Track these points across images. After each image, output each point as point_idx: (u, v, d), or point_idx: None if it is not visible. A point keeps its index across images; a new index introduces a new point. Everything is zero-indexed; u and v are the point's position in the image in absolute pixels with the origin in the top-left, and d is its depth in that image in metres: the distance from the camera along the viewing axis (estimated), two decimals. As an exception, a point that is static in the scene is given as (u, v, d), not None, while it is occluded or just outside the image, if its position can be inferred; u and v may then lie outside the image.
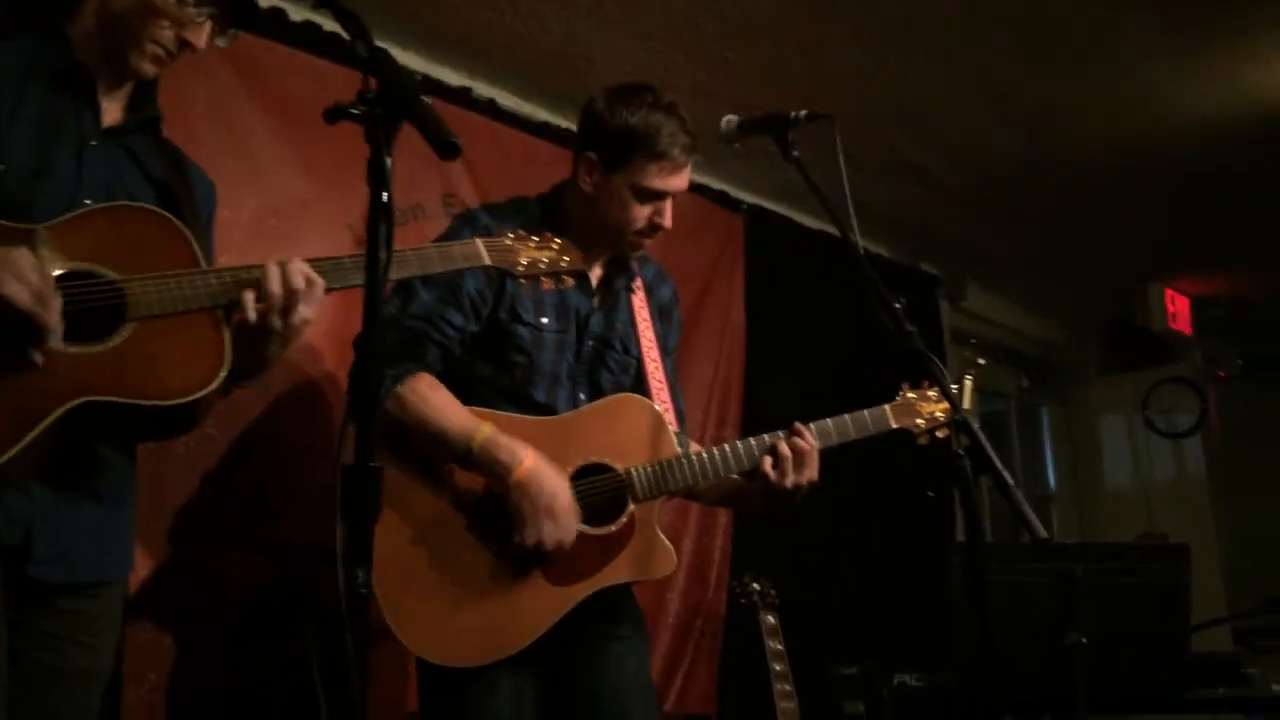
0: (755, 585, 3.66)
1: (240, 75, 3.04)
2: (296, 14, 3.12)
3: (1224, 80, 4.02)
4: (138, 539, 2.61)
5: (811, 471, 2.35)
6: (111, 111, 1.87)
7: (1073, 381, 7.06)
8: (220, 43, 1.88)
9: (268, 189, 3.06)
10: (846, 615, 4.39)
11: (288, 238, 3.03)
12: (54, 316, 1.55)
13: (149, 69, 1.84)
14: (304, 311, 1.75)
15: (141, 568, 2.63)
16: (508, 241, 2.01)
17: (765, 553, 4.02)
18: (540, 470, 2.17)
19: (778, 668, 3.51)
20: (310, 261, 1.78)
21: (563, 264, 2.06)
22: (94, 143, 1.81)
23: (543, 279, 2.05)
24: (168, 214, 1.77)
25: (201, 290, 1.70)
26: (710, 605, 4.13)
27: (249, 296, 1.71)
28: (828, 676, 3.84)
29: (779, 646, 3.55)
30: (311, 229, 3.11)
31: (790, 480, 2.33)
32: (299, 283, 1.73)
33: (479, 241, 1.98)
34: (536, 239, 2.05)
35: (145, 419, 1.71)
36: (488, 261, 1.97)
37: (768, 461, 2.34)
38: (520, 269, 2.02)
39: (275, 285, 1.72)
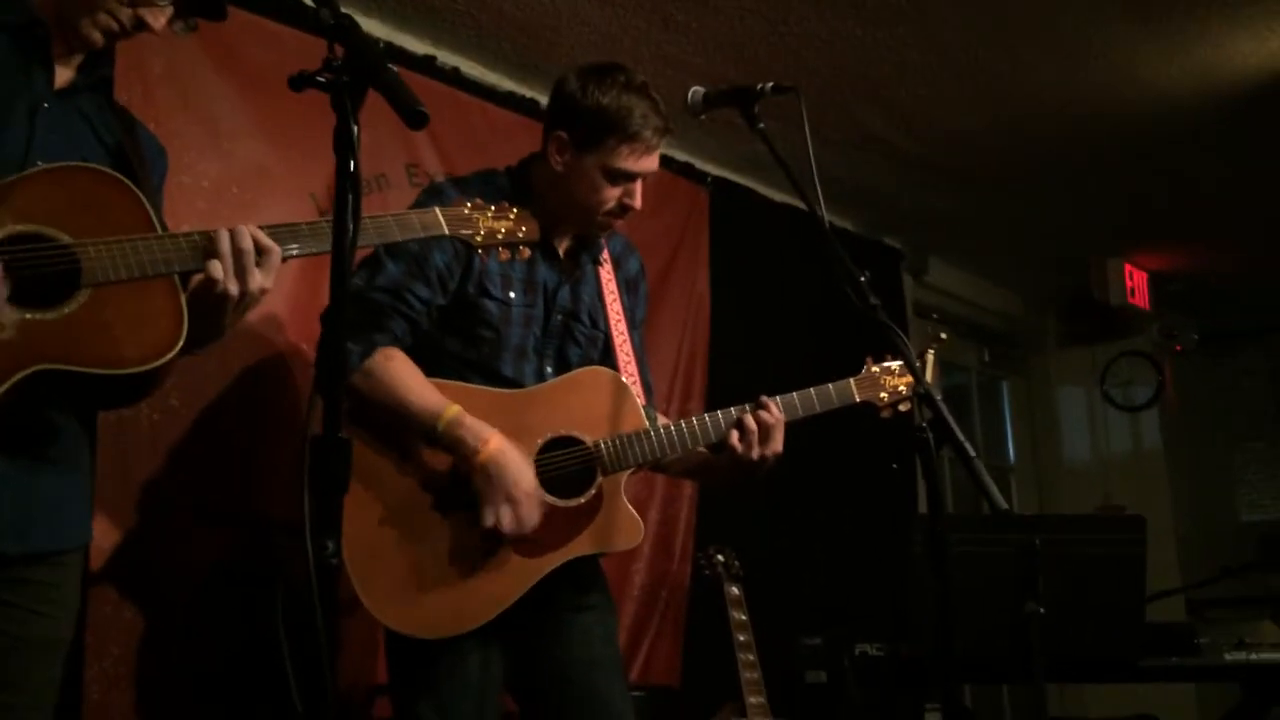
0: (719, 556, 3.69)
1: (201, 40, 2.98)
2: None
3: (1178, 56, 4.05)
4: (101, 512, 2.60)
5: (776, 444, 2.37)
6: (63, 74, 1.83)
7: (1032, 355, 7.14)
8: (178, 29, 1.85)
9: (229, 156, 3.02)
10: (810, 586, 4.43)
11: (249, 206, 3.00)
12: None
13: (99, 39, 1.80)
14: (260, 279, 1.73)
15: (105, 541, 2.61)
16: (465, 211, 2.00)
17: (730, 524, 4.05)
18: (504, 452, 2.18)
19: (741, 638, 3.54)
20: (265, 228, 1.75)
21: (520, 234, 2.05)
22: (47, 104, 1.77)
23: (500, 249, 2.03)
24: (121, 176, 1.74)
25: (158, 256, 1.67)
26: (675, 576, 4.15)
27: (215, 265, 1.69)
28: (791, 646, 3.88)
29: (743, 617, 3.59)
30: (274, 197, 3.07)
31: (756, 453, 2.35)
32: (248, 245, 1.70)
33: (437, 211, 1.96)
34: (494, 209, 2.04)
35: (101, 387, 1.68)
36: (446, 231, 1.95)
37: (734, 435, 2.35)
38: (479, 239, 2.00)
39: (225, 247, 1.69)
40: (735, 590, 3.64)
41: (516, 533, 2.19)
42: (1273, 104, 4.32)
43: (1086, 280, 6.24)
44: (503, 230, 2.03)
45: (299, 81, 1.31)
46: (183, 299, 1.71)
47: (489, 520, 2.16)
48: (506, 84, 3.88)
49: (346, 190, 1.28)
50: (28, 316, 1.58)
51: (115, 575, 2.63)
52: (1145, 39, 3.91)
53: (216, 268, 1.69)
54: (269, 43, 3.07)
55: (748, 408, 2.37)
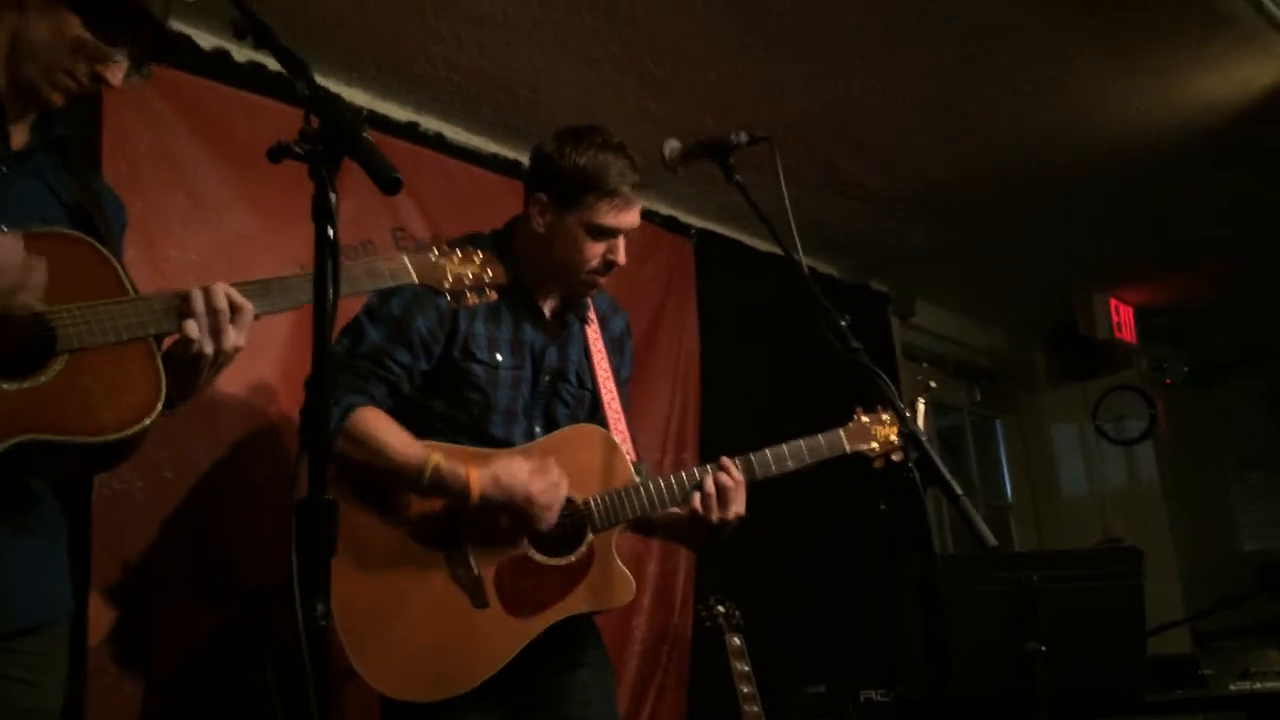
0: (720, 607, 3.68)
1: (184, 115, 3.04)
2: (240, 55, 3.12)
3: (1148, 93, 4.13)
4: (97, 586, 2.61)
5: (738, 507, 2.36)
6: (18, 134, 1.82)
7: (1024, 392, 7.16)
8: (135, 79, 1.85)
9: (216, 228, 3.06)
10: (812, 633, 4.40)
11: (238, 276, 2.97)
12: None
13: (58, 99, 1.80)
14: (235, 337, 1.73)
15: (101, 615, 2.61)
16: (433, 257, 2.01)
17: (729, 574, 4.04)
18: (490, 470, 2.19)
19: (745, 689, 3.52)
20: (238, 285, 1.76)
21: (486, 277, 2.07)
22: (4, 168, 1.77)
23: (468, 293, 2.04)
24: (90, 239, 1.73)
25: (133, 319, 1.67)
26: (677, 629, 4.13)
27: (190, 325, 1.69)
28: (795, 696, 3.85)
29: (745, 668, 3.57)
30: (262, 267, 3.09)
31: (715, 516, 2.34)
32: (223, 305, 1.71)
33: (405, 257, 1.97)
34: (460, 253, 2.06)
35: (81, 455, 1.67)
36: (415, 279, 1.97)
37: (695, 497, 2.35)
38: (447, 284, 2.02)
39: (200, 307, 1.70)
40: (737, 641, 3.63)
41: (557, 504, 2.21)
42: (1244, 134, 4.39)
43: (1073, 316, 6.28)
44: (470, 275, 2.05)
45: (277, 153, 1.33)
46: (159, 360, 1.70)
47: (535, 525, 2.20)
48: (490, 146, 3.93)
49: (326, 257, 1.30)
50: (5, 387, 1.58)
51: (113, 649, 2.62)
52: (1115, 77, 3.98)
53: (192, 327, 1.69)
54: (252, 115, 3.12)
55: (709, 469, 2.38)
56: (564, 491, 2.23)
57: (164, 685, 2.69)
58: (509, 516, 2.22)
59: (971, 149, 4.51)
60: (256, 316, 1.76)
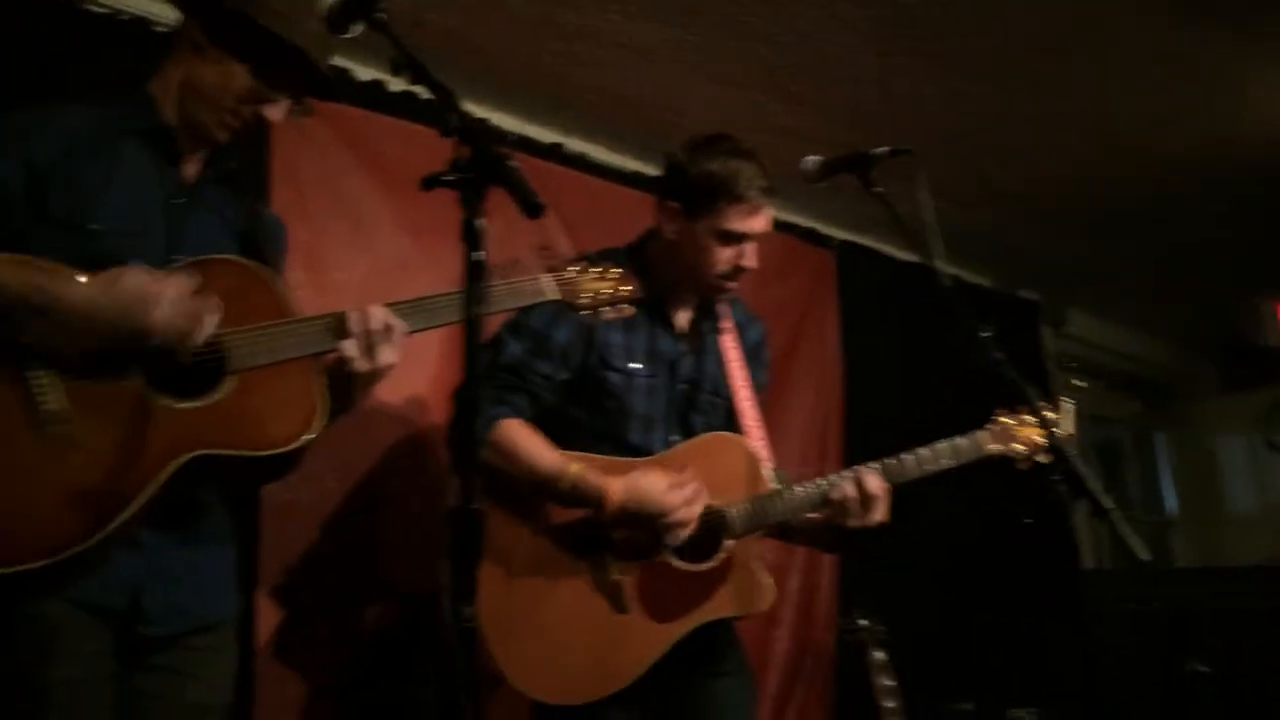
0: (863, 621, 3.64)
1: (346, 144, 3.21)
2: (394, 85, 3.28)
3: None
4: (265, 591, 2.76)
5: (878, 514, 2.36)
6: (190, 168, 1.95)
7: (1188, 403, 6.85)
8: (296, 114, 1.98)
9: (374, 251, 3.21)
10: (959, 649, 4.32)
11: (394, 296, 3.15)
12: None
13: (225, 137, 1.93)
14: (388, 355, 1.84)
15: (269, 620, 2.76)
16: (570, 274, 2.10)
17: (873, 587, 4.00)
18: (632, 480, 2.25)
19: (889, 705, 3.48)
20: (390, 305, 1.86)
21: (621, 293, 2.14)
22: (178, 200, 1.90)
23: (604, 309, 2.11)
24: (256, 264, 1.87)
25: (295, 340, 1.80)
26: (818, 643, 4.11)
27: (348, 344, 1.80)
28: (941, 713, 3.79)
29: (890, 683, 3.53)
30: (417, 287, 3.19)
31: (855, 522, 2.35)
32: (378, 325, 1.82)
33: (544, 278, 2.06)
34: (598, 270, 2.13)
35: (251, 467, 1.80)
36: (555, 296, 2.06)
37: (836, 503, 2.36)
38: (583, 300, 2.10)
39: (357, 328, 1.81)
40: (880, 655, 3.59)
41: (692, 520, 2.25)
42: None
43: (1239, 323, 5.99)
44: (606, 290, 2.12)
45: (429, 182, 1.42)
46: (320, 377, 1.83)
47: (669, 539, 2.25)
48: (632, 164, 4.01)
49: (474, 279, 1.38)
50: (182, 406, 1.72)
51: (280, 652, 2.77)
52: (1272, 78, 3.80)
53: (350, 347, 1.81)
54: (407, 142, 3.26)
55: (850, 475, 2.38)
56: (699, 508, 2.27)
57: (326, 688, 2.82)
58: (645, 528, 2.27)
59: (1122, 156, 4.36)
60: (409, 334, 1.87)
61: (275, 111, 1.93)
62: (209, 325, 1.69)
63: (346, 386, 1.86)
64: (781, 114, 3.88)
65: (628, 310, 2.15)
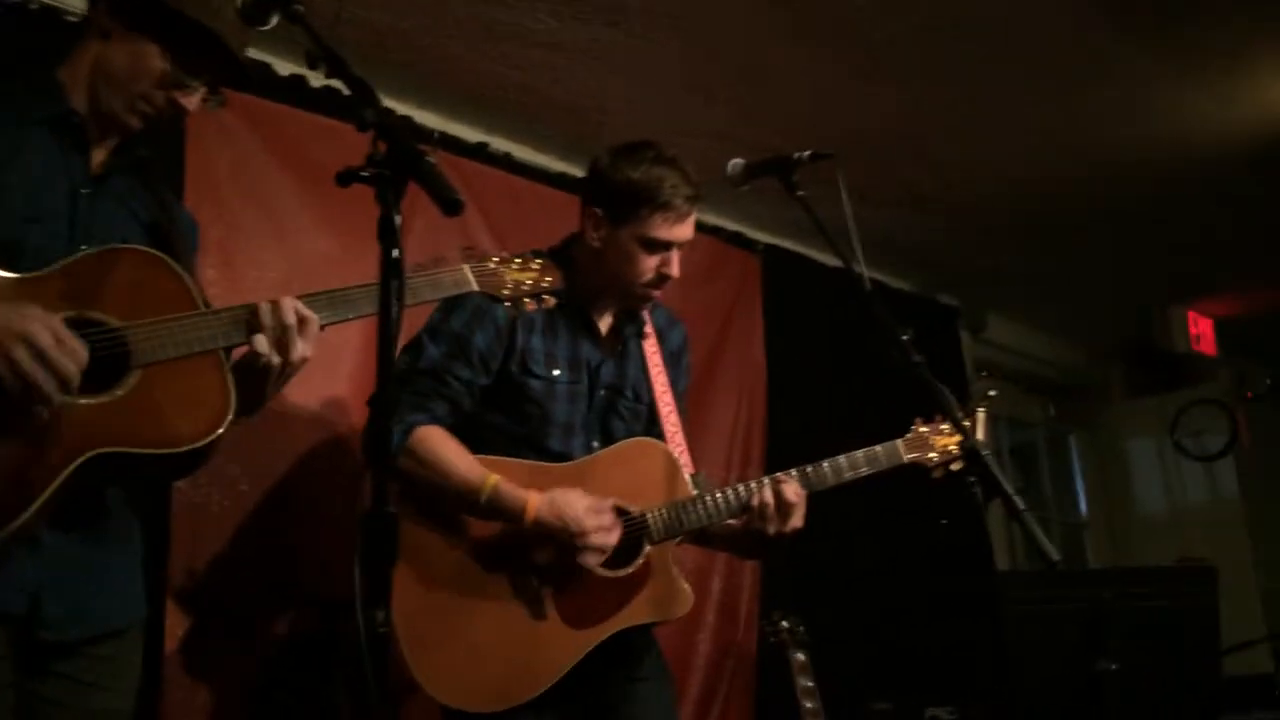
0: (784, 623, 3.67)
1: (263, 139, 3.15)
2: (316, 80, 3.22)
3: (1225, 103, 4.05)
4: (174, 596, 2.70)
5: (795, 520, 2.37)
6: (98, 157, 1.89)
7: (1100, 407, 7.03)
8: (210, 106, 1.92)
9: (293, 248, 3.16)
10: (878, 650, 4.37)
11: (313, 294, 3.11)
12: (75, 364, 1.58)
13: (137, 125, 1.87)
14: (301, 349, 1.78)
15: (178, 625, 2.70)
16: (492, 265, 2.06)
17: (794, 590, 4.04)
18: (547, 500, 2.23)
19: (809, 705, 3.51)
20: (303, 297, 1.81)
21: (544, 284, 2.12)
22: (85, 190, 1.83)
23: (527, 300, 2.09)
24: (162, 255, 1.80)
25: (203, 333, 1.73)
26: (741, 644, 4.13)
27: (259, 338, 1.74)
28: (860, 712, 3.83)
29: (810, 684, 3.56)
30: (337, 285, 3.17)
31: (773, 528, 2.36)
32: (290, 318, 1.77)
33: (466, 268, 2.02)
34: (519, 260, 2.11)
35: (155, 465, 1.74)
36: (475, 288, 2.02)
37: (754, 509, 2.36)
38: (506, 291, 2.07)
39: (269, 320, 1.75)
40: (801, 657, 3.62)
41: (606, 547, 2.23)
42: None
43: (1150, 329, 6.16)
44: (528, 281, 2.10)
45: (345, 177, 1.39)
46: (228, 372, 1.76)
47: (581, 560, 2.23)
48: (558, 165, 3.99)
49: (390, 277, 1.36)
50: (83, 401, 1.64)
51: (188, 658, 2.71)
52: (1191, 88, 3.92)
53: (261, 341, 1.75)
54: (328, 138, 3.21)
55: (767, 482, 2.39)
56: (615, 538, 2.25)
57: (236, 693, 2.77)
58: (560, 545, 2.25)
59: (1045, 164, 4.46)
60: (322, 327, 1.82)
61: (190, 100, 1.87)
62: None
63: (257, 382, 1.79)
64: (709, 117, 3.89)
65: (549, 301, 2.13)
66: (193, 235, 2.08)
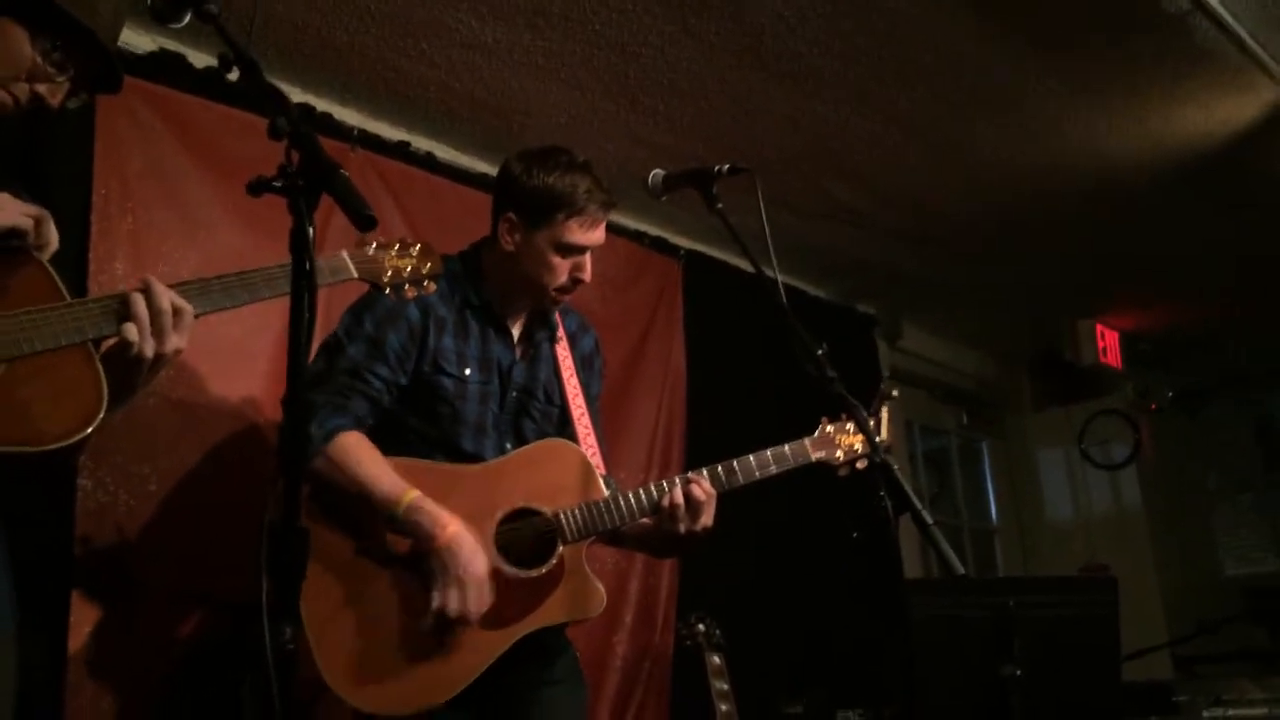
0: (701, 626, 3.71)
1: (177, 132, 3.08)
2: (226, 73, 3.15)
3: (1134, 128, 4.18)
4: (79, 598, 2.63)
5: (706, 519, 2.40)
6: None
7: (1011, 416, 7.19)
8: (72, 104, 1.84)
9: (205, 244, 3.09)
10: (792, 654, 4.43)
11: (227, 293, 3.05)
12: None
13: None
14: (175, 340, 1.72)
15: (83, 626, 2.64)
16: (370, 252, 2.04)
17: (711, 593, 4.07)
18: (460, 538, 2.22)
19: (724, 708, 3.55)
20: (175, 286, 1.74)
21: (424, 269, 2.11)
22: None
23: (408, 286, 2.07)
24: (25, 245, 1.70)
25: (71, 325, 1.65)
26: (658, 646, 4.15)
27: (130, 328, 1.67)
28: (773, 715, 3.88)
29: (725, 687, 3.60)
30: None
31: (684, 527, 2.38)
32: (166, 305, 1.70)
33: (344, 254, 2.00)
34: (397, 246, 2.10)
35: (24, 465, 1.63)
36: (355, 275, 2.01)
37: (665, 509, 2.39)
38: (386, 278, 2.05)
39: (142, 310, 1.69)
40: (717, 660, 3.66)
41: (464, 619, 2.22)
42: (1223, 167, 4.44)
43: (1059, 341, 6.33)
44: (408, 267, 2.08)
45: (256, 187, 1.37)
46: (98, 365, 1.68)
47: (436, 603, 2.21)
48: (479, 166, 3.97)
49: (303, 289, 1.34)
50: None
51: (93, 663, 2.64)
52: (1097, 108, 4.03)
53: (132, 330, 1.68)
54: (244, 133, 3.15)
55: (679, 480, 2.42)
56: (473, 616, 2.23)
57: (143, 698, 2.71)
58: (432, 576, 2.23)
59: (957, 180, 4.56)
60: (197, 316, 1.75)
61: (54, 95, 1.78)
62: None
63: (127, 373, 1.71)
64: (631, 122, 3.91)
65: (430, 287, 2.13)
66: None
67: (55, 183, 2.75)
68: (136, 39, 3.07)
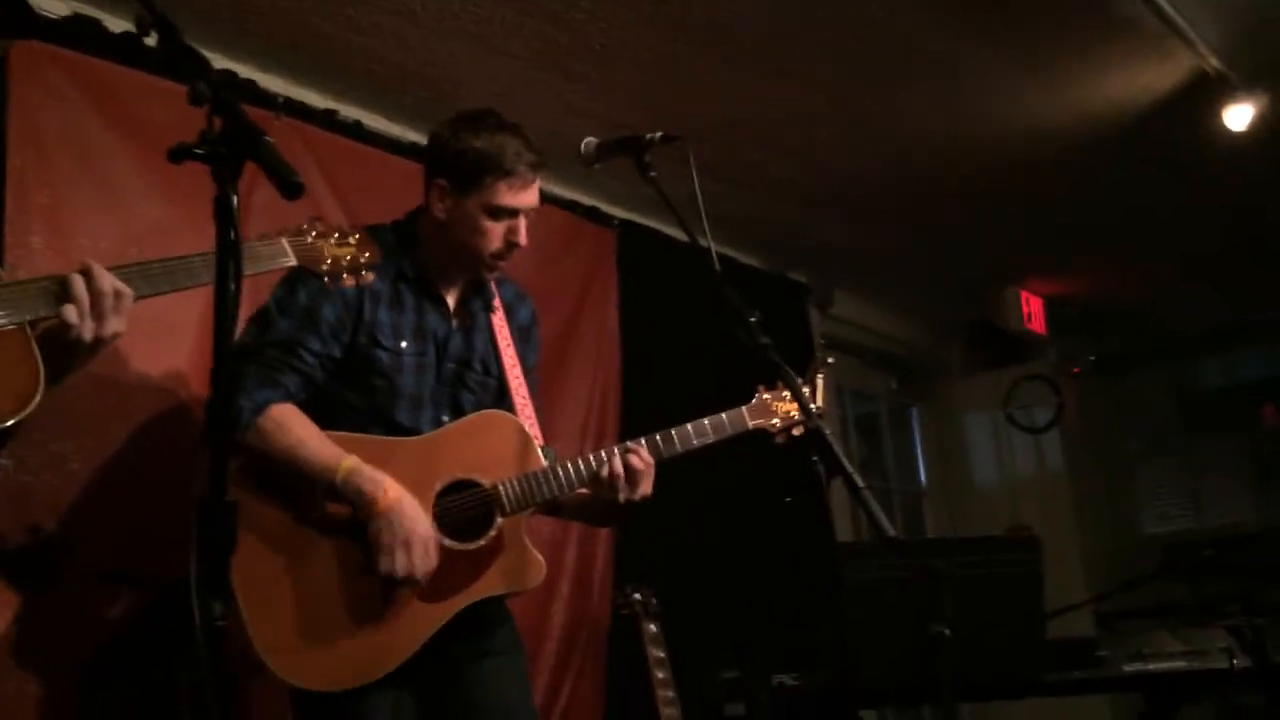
0: (637, 595, 3.73)
1: (94, 100, 2.99)
2: (151, 39, 3.07)
3: (1056, 93, 4.24)
4: (1, 579, 2.56)
5: (645, 487, 2.42)
6: None
7: (939, 382, 7.31)
8: None
9: (127, 217, 3.01)
10: (727, 620, 4.48)
11: (148, 266, 2.98)
12: None
13: None
14: (115, 323, 1.70)
15: (5, 611, 2.57)
16: (310, 240, 2.02)
17: (646, 561, 4.09)
18: (401, 501, 2.21)
19: (660, 675, 3.59)
20: (114, 269, 1.72)
21: (363, 259, 2.09)
22: None
23: (345, 275, 2.06)
24: None
25: (7, 306, 1.62)
26: (594, 615, 4.18)
27: (70, 310, 1.65)
28: (709, 680, 3.92)
29: (661, 654, 3.63)
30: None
31: (623, 495, 2.40)
32: (106, 287, 1.68)
33: (284, 240, 1.98)
34: (336, 235, 2.07)
35: None
36: (294, 261, 1.99)
37: (603, 478, 2.40)
38: (325, 266, 2.04)
39: (82, 292, 1.66)
40: (653, 628, 3.69)
41: (411, 579, 2.21)
42: (1147, 134, 4.53)
43: (986, 308, 6.44)
44: (347, 256, 2.06)
45: (178, 154, 1.34)
46: (34, 347, 1.66)
47: (384, 567, 2.19)
48: (410, 135, 3.91)
49: (228, 259, 1.31)
50: None
51: (18, 648, 2.58)
52: (1018, 78, 4.09)
53: (72, 313, 1.66)
54: (165, 100, 3.05)
55: (617, 450, 2.43)
56: (420, 574, 2.22)
57: (72, 682, 2.66)
58: (375, 541, 2.21)
59: (883, 148, 4.60)
60: (136, 300, 1.73)
61: None
62: None
63: (66, 356, 1.69)
64: (565, 91, 3.88)
65: (368, 276, 2.11)
66: None
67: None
68: (50, 3, 2.96)
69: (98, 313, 1.68)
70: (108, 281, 1.69)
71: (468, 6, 3.35)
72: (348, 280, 2.06)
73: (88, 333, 1.68)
